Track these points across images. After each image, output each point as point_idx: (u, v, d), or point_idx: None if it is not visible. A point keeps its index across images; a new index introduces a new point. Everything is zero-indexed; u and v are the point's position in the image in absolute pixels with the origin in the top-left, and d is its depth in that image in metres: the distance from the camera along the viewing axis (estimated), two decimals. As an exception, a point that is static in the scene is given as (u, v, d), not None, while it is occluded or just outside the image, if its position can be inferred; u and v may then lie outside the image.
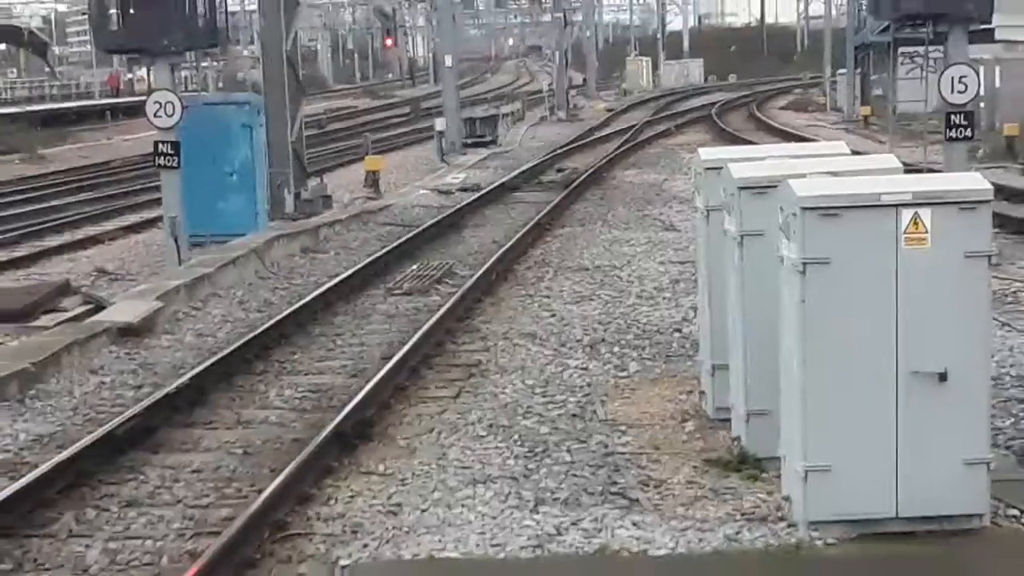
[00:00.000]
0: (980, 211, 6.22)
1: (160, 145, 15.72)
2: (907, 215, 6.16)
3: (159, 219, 17.80)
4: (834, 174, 7.03)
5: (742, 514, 6.87)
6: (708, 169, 8.64)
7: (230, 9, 24.35)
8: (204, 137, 17.47)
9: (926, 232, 6.18)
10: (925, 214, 6.15)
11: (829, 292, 6.23)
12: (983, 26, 15.75)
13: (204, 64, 23.39)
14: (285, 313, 13.23)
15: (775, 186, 6.84)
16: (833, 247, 6.18)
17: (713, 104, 54.05)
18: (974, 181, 6.56)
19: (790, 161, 8.26)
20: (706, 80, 75.64)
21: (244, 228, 18.21)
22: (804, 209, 6.16)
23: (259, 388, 10.76)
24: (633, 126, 43.16)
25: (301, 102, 21.76)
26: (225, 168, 18.47)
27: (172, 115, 15.37)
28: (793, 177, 6.62)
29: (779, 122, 44.84)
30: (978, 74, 16.14)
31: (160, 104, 15.39)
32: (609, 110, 54.92)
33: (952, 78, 14.33)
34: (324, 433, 8.40)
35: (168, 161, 15.71)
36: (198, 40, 16.96)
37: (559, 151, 34.83)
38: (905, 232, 6.18)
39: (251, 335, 12.12)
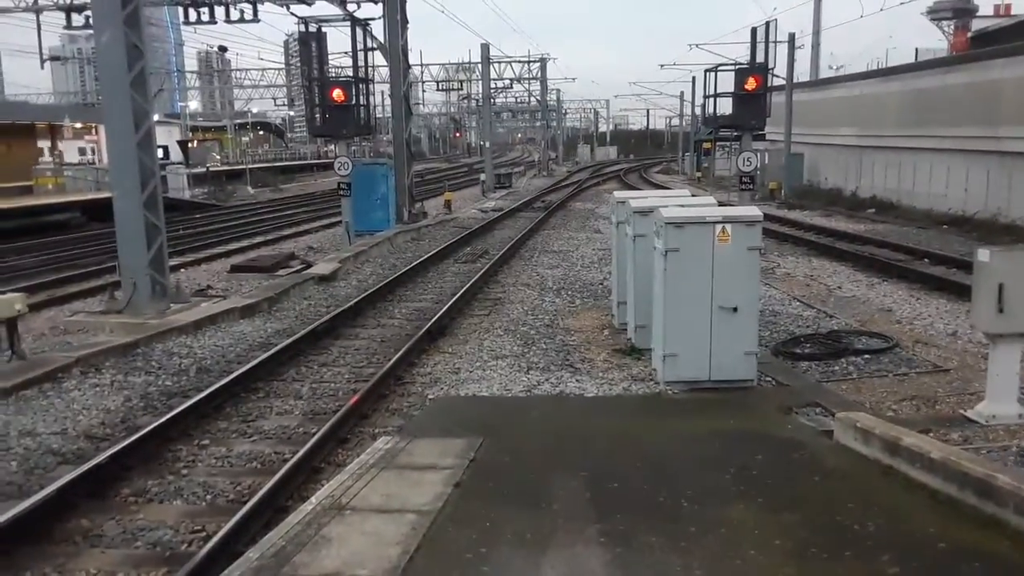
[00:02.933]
0: (755, 226, 8.19)
1: (341, 184, 21.24)
2: (719, 227, 8.14)
3: (340, 221, 23.01)
4: (682, 206, 9.27)
5: (632, 377, 8.95)
6: (618, 202, 10.77)
7: (377, 115, 30.22)
8: (364, 181, 22.56)
9: (728, 236, 8.14)
10: (728, 227, 8.17)
11: (678, 265, 8.15)
12: (759, 132, 19.61)
13: (364, 143, 30.18)
14: (402, 271, 16.94)
15: (652, 211, 9.01)
16: (681, 242, 8.12)
17: (621, 170, 69.65)
18: (752, 211, 8.55)
19: (659, 198, 10.44)
20: (618, 157, 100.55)
21: (383, 227, 23.60)
22: (667, 223, 8.15)
23: (389, 308, 13.83)
24: (581, 180, 55.33)
25: (412, 164, 27.21)
26: (375, 196, 23.40)
27: (347, 169, 20.58)
28: (661, 206, 8.77)
29: (655, 180, 54.31)
30: (757, 156, 20.42)
31: (341, 163, 20.77)
32: (569, 172, 68.28)
33: (744, 157, 18.10)
34: (421, 331, 11.18)
35: (345, 191, 21.27)
36: (361, 131, 21.73)
37: (543, 192, 42.77)
38: (718, 236, 8.14)
39: (385, 281, 15.66)
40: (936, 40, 63.63)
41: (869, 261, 17.31)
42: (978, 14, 58.11)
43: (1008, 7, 52.81)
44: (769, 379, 8.80)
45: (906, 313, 12.54)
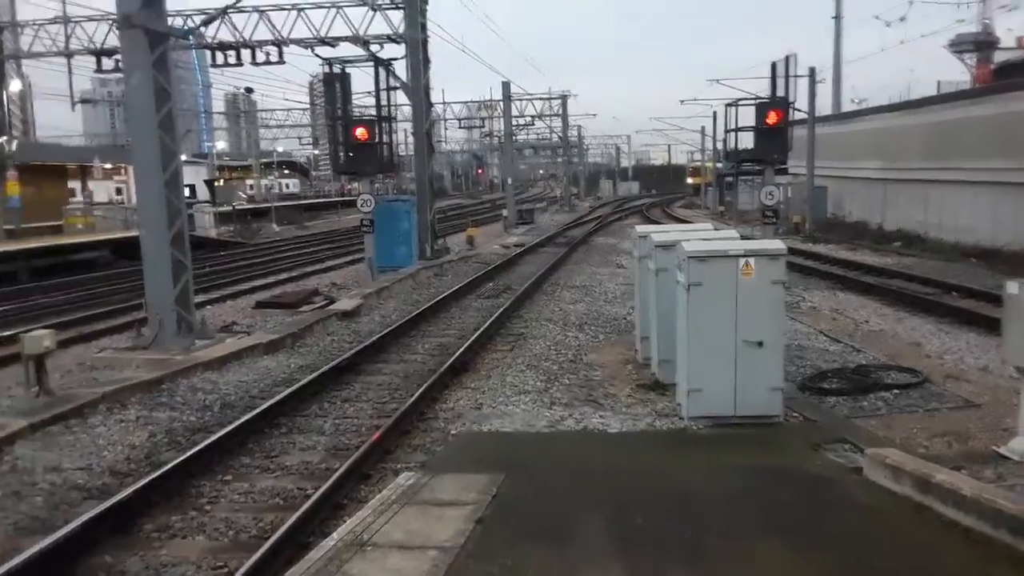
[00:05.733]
0: (779, 259, 8.21)
1: (364, 220, 21.25)
2: (743, 261, 8.14)
3: (363, 258, 22.72)
4: (705, 240, 9.25)
5: (656, 412, 8.88)
6: (640, 236, 10.84)
7: (400, 153, 30.35)
8: (387, 217, 22.68)
9: (752, 269, 8.13)
10: (752, 260, 8.16)
11: (702, 300, 8.11)
12: (782, 165, 19.35)
13: (387, 180, 30.02)
14: (425, 306, 16.90)
15: (674, 245, 8.87)
16: (704, 276, 8.12)
17: (643, 205, 69.88)
18: (776, 244, 8.55)
19: (681, 232, 10.41)
20: (640, 192, 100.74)
21: (406, 263, 23.54)
22: (689, 257, 8.16)
23: (411, 344, 13.78)
24: (603, 215, 54.49)
25: (435, 200, 27.72)
26: (397, 233, 23.47)
27: (370, 205, 20.68)
28: (684, 240, 8.73)
29: (677, 214, 54.15)
30: (779, 190, 20.11)
31: (364, 200, 20.87)
32: (591, 207, 67.53)
33: (766, 191, 17.77)
34: (444, 366, 11.17)
35: (367, 228, 21.31)
36: (384, 168, 22.03)
37: (565, 227, 42.25)
38: (741, 269, 8.13)
39: (407, 317, 15.61)
40: (958, 73, 63.58)
41: (896, 295, 17.13)
42: (1000, 46, 57.98)
43: (1031, 39, 52.67)
44: (796, 415, 8.68)
45: (935, 347, 12.36)
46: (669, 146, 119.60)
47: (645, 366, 10.68)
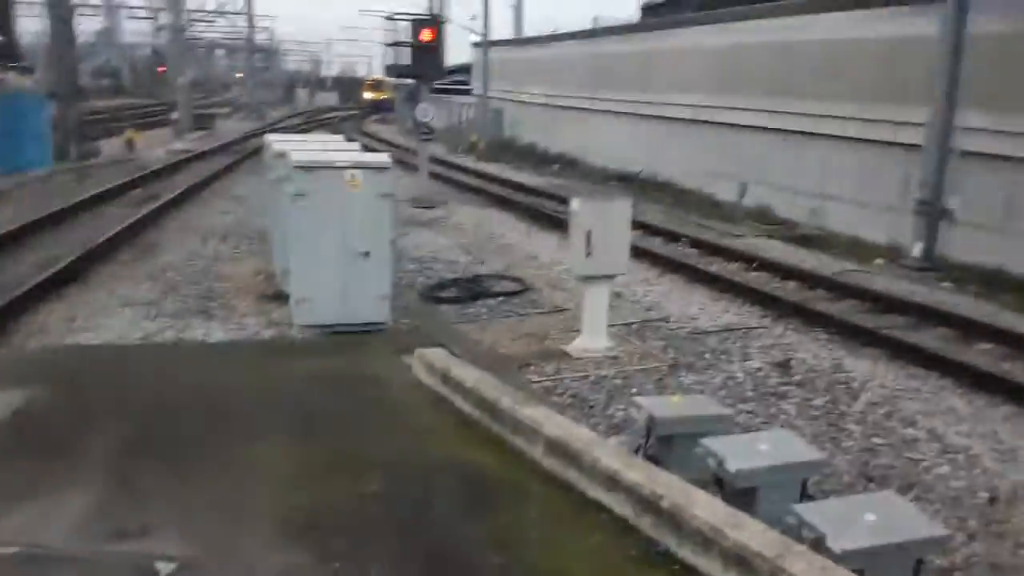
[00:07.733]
0: (385, 173, 8.27)
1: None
2: (349, 173, 8.15)
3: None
4: (324, 151, 9.07)
5: (270, 322, 8.72)
6: (266, 147, 10.81)
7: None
8: (9, 112, 20.21)
9: (359, 182, 8.15)
10: (358, 173, 8.18)
11: (308, 209, 8.01)
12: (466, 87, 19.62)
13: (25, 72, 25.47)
14: (46, 213, 14.70)
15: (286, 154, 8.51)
16: (310, 187, 8.01)
17: (336, 117, 59.38)
18: (383, 158, 8.64)
19: (320, 144, 10.41)
20: (340, 104, 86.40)
21: (38, 165, 20.94)
22: (296, 167, 8.04)
23: (20, 254, 12.14)
24: (290, 125, 49.11)
25: (79, 98, 25.09)
26: (24, 130, 20.82)
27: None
28: (293, 150, 8.56)
29: (368, 129, 48.48)
30: (433, 107, 20.01)
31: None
32: (285, 116, 58.57)
33: (421, 109, 17.85)
34: (42, 277, 10.00)
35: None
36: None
37: (245, 136, 37.59)
38: (348, 181, 8.14)
39: (19, 225, 13.52)
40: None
41: (534, 211, 18.37)
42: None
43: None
44: (406, 321, 8.98)
45: (548, 259, 13.44)
46: (371, 58, 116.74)
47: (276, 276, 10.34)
